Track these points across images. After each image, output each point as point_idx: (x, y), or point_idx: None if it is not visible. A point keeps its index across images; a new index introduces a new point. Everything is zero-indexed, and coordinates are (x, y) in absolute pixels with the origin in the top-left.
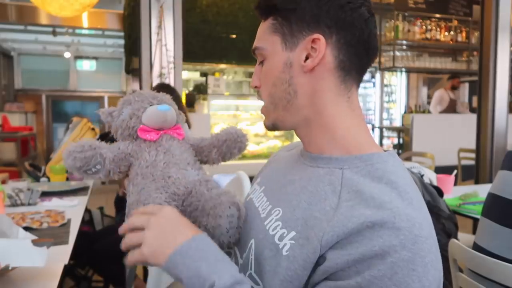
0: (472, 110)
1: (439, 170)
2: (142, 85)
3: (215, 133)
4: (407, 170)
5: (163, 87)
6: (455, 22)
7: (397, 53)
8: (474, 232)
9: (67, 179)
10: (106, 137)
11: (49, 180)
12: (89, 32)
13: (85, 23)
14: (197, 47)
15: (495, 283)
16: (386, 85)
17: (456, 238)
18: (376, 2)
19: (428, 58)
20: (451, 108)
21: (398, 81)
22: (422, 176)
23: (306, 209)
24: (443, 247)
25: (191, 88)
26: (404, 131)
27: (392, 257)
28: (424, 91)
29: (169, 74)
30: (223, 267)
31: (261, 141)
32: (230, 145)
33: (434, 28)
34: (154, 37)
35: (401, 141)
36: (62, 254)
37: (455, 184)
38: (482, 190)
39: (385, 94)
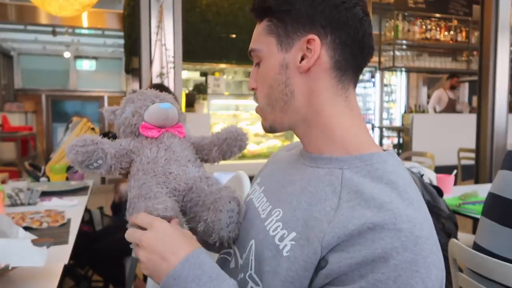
0: (472, 110)
1: (439, 170)
2: (142, 85)
3: (216, 132)
4: (406, 170)
5: (157, 87)
6: (455, 22)
7: (397, 53)
8: (474, 232)
9: (67, 179)
10: (106, 136)
11: (49, 180)
12: (89, 32)
13: (85, 23)
14: (197, 47)
15: (495, 283)
16: (386, 85)
17: (456, 238)
18: (376, 2)
19: (428, 58)
20: (450, 108)
21: (398, 81)
22: (422, 176)
23: (307, 209)
24: (443, 247)
25: (191, 88)
26: (404, 131)
27: (395, 260)
28: (424, 91)
29: (168, 74)
30: (217, 285)
31: (261, 140)
32: (231, 144)
33: (434, 28)
34: (154, 37)
35: (401, 141)
36: (62, 254)
37: (455, 184)
38: (482, 190)
39: (385, 94)
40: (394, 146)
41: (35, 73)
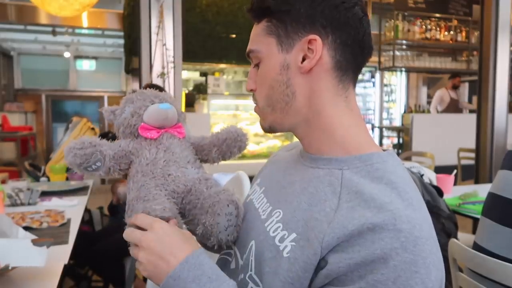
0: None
1: (439, 169)
2: (142, 84)
3: (216, 132)
4: (406, 170)
5: (151, 88)
6: (455, 22)
7: (397, 53)
8: (474, 232)
9: (67, 178)
10: (105, 136)
11: (49, 180)
12: (89, 32)
13: (85, 23)
14: (197, 47)
15: (495, 282)
16: (386, 85)
17: (456, 238)
18: (376, 2)
19: (428, 57)
20: (452, 108)
21: (398, 80)
22: (422, 176)
23: (307, 210)
24: (443, 247)
25: (190, 88)
26: (404, 131)
27: (394, 260)
28: (424, 90)
29: (168, 73)
30: (216, 286)
31: (261, 140)
32: (230, 144)
33: (434, 27)
34: (154, 37)
35: (400, 140)
36: (62, 253)
37: (455, 183)
38: (482, 190)
39: (384, 94)
40: (394, 146)
41: (35, 73)
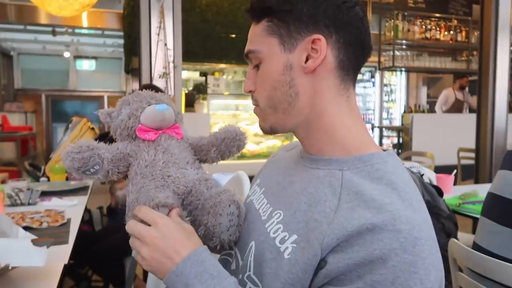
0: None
1: (439, 169)
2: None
3: (214, 132)
4: (406, 170)
5: (148, 88)
6: (455, 22)
7: (397, 53)
8: (474, 232)
9: (67, 178)
10: (105, 136)
11: (48, 180)
12: (89, 31)
13: (85, 22)
14: (197, 47)
15: (495, 282)
16: (385, 85)
17: (456, 238)
18: (376, 2)
19: (427, 57)
20: (456, 108)
21: (397, 80)
22: (421, 175)
23: (307, 211)
24: (443, 247)
25: (190, 88)
26: (403, 131)
27: (393, 261)
28: (424, 90)
29: (169, 73)
30: (218, 283)
31: (261, 140)
32: (229, 144)
33: (433, 27)
34: (154, 37)
35: (400, 140)
36: (62, 253)
37: (455, 183)
38: (482, 190)
39: (384, 94)
40: (394, 146)
41: (35, 73)
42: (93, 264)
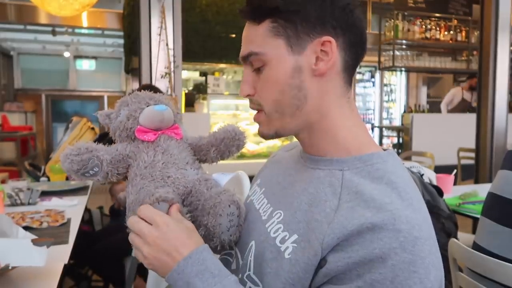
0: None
1: (439, 169)
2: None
3: (213, 132)
4: (406, 169)
5: (146, 89)
6: (455, 22)
7: (397, 53)
8: (474, 232)
9: (67, 178)
10: (106, 137)
11: (48, 180)
12: (89, 31)
13: (85, 22)
14: (197, 46)
15: (495, 282)
16: (385, 85)
17: (456, 238)
18: (376, 2)
19: (427, 57)
20: (461, 108)
21: (397, 80)
22: (422, 175)
23: (307, 211)
24: (443, 247)
25: (190, 88)
26: (403, 131)
27: (392, 260)
28: (424, 90)
29: (171, 73)
30: (219, 282)
31: (261, 140)
32: (229, 144)
33: (433, 27)
34: (154, 37)
35: (400, 140)
36: (62, 253)
37: (455, 183)
38: (482, 190)
39: (384, 94)
40: (394, 146)
41: (35, 73)
42: (93, 264)
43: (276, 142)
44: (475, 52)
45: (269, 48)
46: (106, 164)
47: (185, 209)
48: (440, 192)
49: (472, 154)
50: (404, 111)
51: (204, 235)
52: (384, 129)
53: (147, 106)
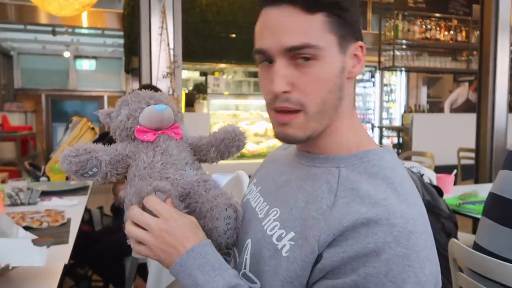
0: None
1: (439, 169)
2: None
3: (213, 132)
4: (403, 165)
5: (147, 88)
6: (455, 22)
7: (397, 53)
8: (474, 232)
9: (67, 178)
10: (106, 136)
11: (48, 180)
12: (89, 31)
13: (85, 22)
14: (197, 46)
15: (495, 283)
16: (385, 85)
17: (456, 238)
18: (376, 2)
19: (427, 57)
20: (464, 108)
21: (397, 80)
22: (422, 175)
23: (304, 208)
24: (443, 247)
25: (190, 88)
26: (403, 131)
27: (386, 254)
28: (424, 90)
29: (173, 73)
30: (219, 274)
31: (261, 140)
32: (229, 144)
33: (434, 27)
34: (154, 37)
35: (400, 140)
36: (62, 253)
37: (455, 183)
38: (482, 190)
39: (384, 94)
40: (394, 146)
41: (35, 72)
42: (93, 264)
43: (276, 142)
44: (475, 52)
45: (324, 42)
46: (105, 164)
47: (182, 204)
48: (440, 192)
49: (472, 154)
50: (404, 111)
51: None
52: (384, 129)
53: (147, 105)
